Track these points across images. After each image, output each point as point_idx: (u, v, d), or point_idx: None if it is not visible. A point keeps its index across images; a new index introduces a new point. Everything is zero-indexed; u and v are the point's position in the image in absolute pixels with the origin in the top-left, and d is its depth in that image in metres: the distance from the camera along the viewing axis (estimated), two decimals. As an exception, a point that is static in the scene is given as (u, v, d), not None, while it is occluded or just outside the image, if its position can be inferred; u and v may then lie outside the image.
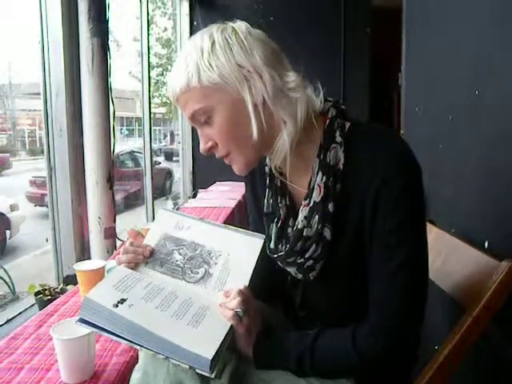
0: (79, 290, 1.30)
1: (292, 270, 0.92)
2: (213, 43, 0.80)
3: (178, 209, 2.84)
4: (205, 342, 0.76)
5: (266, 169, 0.96)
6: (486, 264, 1.01)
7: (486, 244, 1.13)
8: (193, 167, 3.71)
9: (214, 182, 3.45)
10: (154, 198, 2.92)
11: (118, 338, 0.76)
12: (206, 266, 0.91)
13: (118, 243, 1.93)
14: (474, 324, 0.95)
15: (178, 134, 3.98)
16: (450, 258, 1.15)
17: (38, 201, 6.12)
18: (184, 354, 0.74)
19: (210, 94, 0.81)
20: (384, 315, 0.82)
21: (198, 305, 0.84)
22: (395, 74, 3.50)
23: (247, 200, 1.10)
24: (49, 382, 0.89)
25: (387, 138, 0.84)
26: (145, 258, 0.92)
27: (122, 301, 0.80)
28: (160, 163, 7.94)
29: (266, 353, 0.87)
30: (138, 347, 0.76)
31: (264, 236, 0.93)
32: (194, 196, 3.20)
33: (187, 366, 0.74)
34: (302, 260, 0.88)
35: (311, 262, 0.87)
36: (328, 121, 0.85)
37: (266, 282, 1.04)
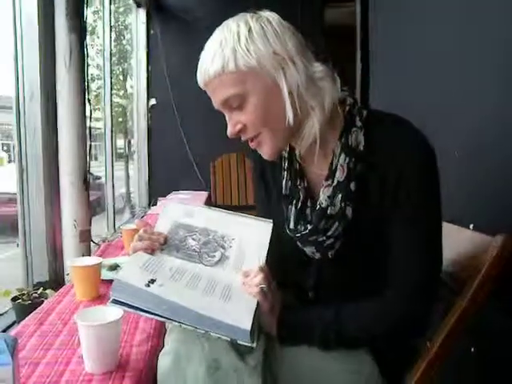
0: (72, 289, 1.24)
1: (310, 249, 0.95)
2: (249, 30, 0.83)
3: (142, 217, 2.78)
4: (239, 314, 0.78)
5: (284, 153, 0.99)
6: (479, 242, 1.09)
7: (471, 227, 1.23)
8: (148, 177, 3.64)
9: (170, 193, 3.40)
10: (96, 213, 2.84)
11: (153, 316, 0.76)
12: (222, 250, 0.92)
13: (93, 247, 1.86)
14: (473, 297, 1.01)
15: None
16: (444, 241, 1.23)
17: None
18: (223, 327, 0.75)
19: (245, 79, 0.83)
20: (407, 282, 0.87)
21: (223, 284, 0.85)
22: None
23: (254, 187, 1.12)
24: (73, 374, 0.85)
25: (403, 123, 0.91)
26: (160, 244, 0.91)
27: (152, 281, 0.80)
28: (100, 178, 7.62)
29: (291, 328, 0.89)
30: (177, 324, 0.76)
31: (271, 221, 0.95)
32: (155, 204, 3.14)
33: (228, 339, 0.75)
34: (324, 238, 0.91)
35: (332, 240, 0.91)
36: (348, 107, 0.91)
37: (276, 265, 1.06)
